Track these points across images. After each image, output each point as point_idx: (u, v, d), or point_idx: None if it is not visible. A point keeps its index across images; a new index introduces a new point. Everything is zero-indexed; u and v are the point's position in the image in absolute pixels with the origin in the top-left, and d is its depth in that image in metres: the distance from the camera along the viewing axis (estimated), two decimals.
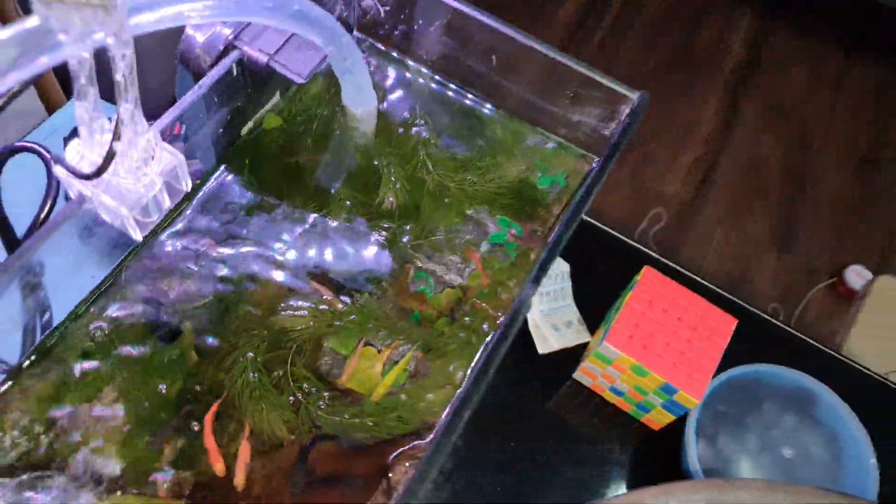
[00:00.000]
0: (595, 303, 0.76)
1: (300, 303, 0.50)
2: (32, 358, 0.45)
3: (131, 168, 0.40)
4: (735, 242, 1.70)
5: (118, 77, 0.36)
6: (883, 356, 1.26)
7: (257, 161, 0.53)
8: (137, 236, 0.43)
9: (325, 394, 0.47)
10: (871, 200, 1.80)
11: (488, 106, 0.60)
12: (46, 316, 0.45)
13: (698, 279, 0.87)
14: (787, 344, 0.85)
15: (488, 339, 0.41)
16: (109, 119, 0.39)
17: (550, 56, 0.52)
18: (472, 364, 0.42)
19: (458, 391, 0.39)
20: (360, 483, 0.45)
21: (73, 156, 0.42)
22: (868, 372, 0.85)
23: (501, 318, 0.44)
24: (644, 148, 1.76)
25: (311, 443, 0.45)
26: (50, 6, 0.33)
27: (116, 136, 0.38)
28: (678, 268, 0.87)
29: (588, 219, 0.90)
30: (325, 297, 0.52)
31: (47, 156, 0.48)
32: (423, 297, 0.56)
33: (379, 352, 0.54)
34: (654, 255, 0.87)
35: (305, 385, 0.47)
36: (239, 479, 0.44)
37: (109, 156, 0.38)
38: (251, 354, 0.47)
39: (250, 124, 0.54)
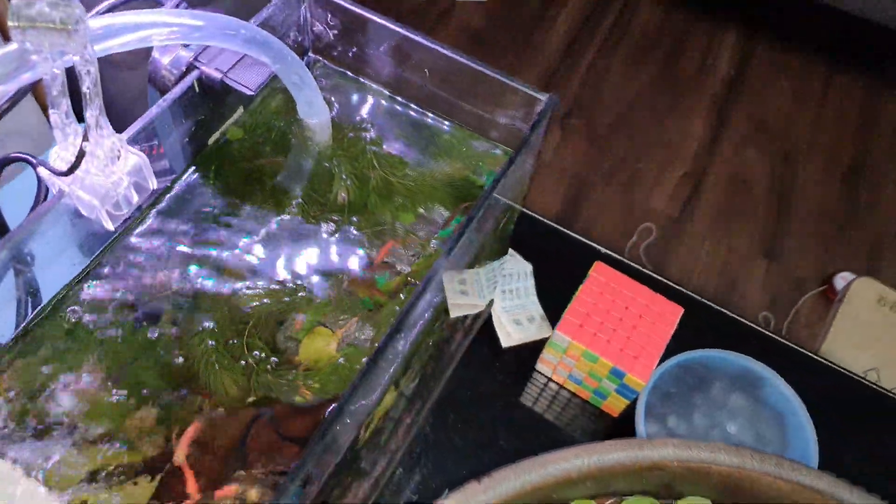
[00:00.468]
0: (560, 301, 0.82)
1: (261, 285, 0.57)
2: (21, 336, 0.52)
3: (100, 166, 0.48)
4: (724, 254, 1.75)
5: (84, 89, 0.44)
6: (859, 356, 1.30)
7: (221, 167, 0.61)
8: (110, 226, 0.50)
9: (273, 359, 0.54)
10: (856, 209, 1.84)
11: (434, 117, 0.67)
12: (33, 298, 0.52)
13: (679, 287, 0.92)
14: (740, 334, 0.90)
15: (406, 304, 0.48)
16: (81, 124, 0.47)
17: (477, 69, 0.59)
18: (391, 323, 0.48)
19: (382, 339, 0.45)
20: (300, 441, 0.51)
21: (54, 159, 0.50)
22: (813, 356, 0.89)
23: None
24: (633, 166, 1.83)
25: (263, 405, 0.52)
26: (24, 32, 0.41)
27: (85, 137, 0.46)
28: (666, 280, 0.91)
29: (557, 226, 0.97)
30: (283, 283, 0.59)
31: (34, 162, 0.56)
32: (374, 284, 0.63)
33: (333, 332, 0.60)
34: (634, 265, 0.93)
35: (257, 353, 0.54)
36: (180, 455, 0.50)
37: (80, 154, 0.46)
38: (210, 324, 0.54)
39: (216, 135, 0.62)
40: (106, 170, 0.48)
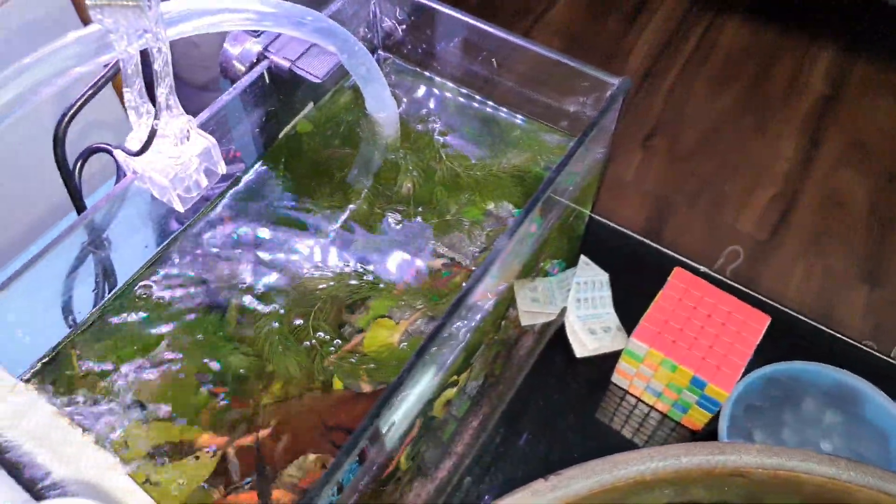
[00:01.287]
0: (638, 313, 0.78)
1: (327, 274, 0.57)
2: (97, 315, 0.54)
3: (170, 146, 0.49)
4: (818, 279, 1.66)
5: (156, 67, 0.45)
6: None
7: (291, 159, 0.62)
8: (180, 208, 0.51)
9: (337, 341, 0.53)
10: None
11: (503, 110, 0.66)
12: (108, 279, 0.54)
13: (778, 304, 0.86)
14: (830, 347, 0.84)
15: (464, 287, 0.46)
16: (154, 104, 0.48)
17: (547, 55, 0.58)
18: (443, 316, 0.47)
19: (433, 328, 0.44)
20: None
21: (129, 141, 0.52)
22: None
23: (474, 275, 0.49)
24: (718, 188, 1.77)
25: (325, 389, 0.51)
26: (102, 10, 0.42)
27: (156, 115, 0.47)
28: (758, 295, 0.86)
29: (636, 234, 0.94)
30: (349, 273, 0.58)
31: (112, 151, 0.57)
32: (439, 278, 0.62)
33: (397, 324, 0.59)
34: (717, 275, 0.88)
35: (321, 333, 0.53)
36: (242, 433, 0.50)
37: (152, 133, 0.47)
38: (277, 307, 0.54)
39: (287, 129, 0.63)
40: (176, 150, 0.49)
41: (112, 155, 0.58)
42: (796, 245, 1.71)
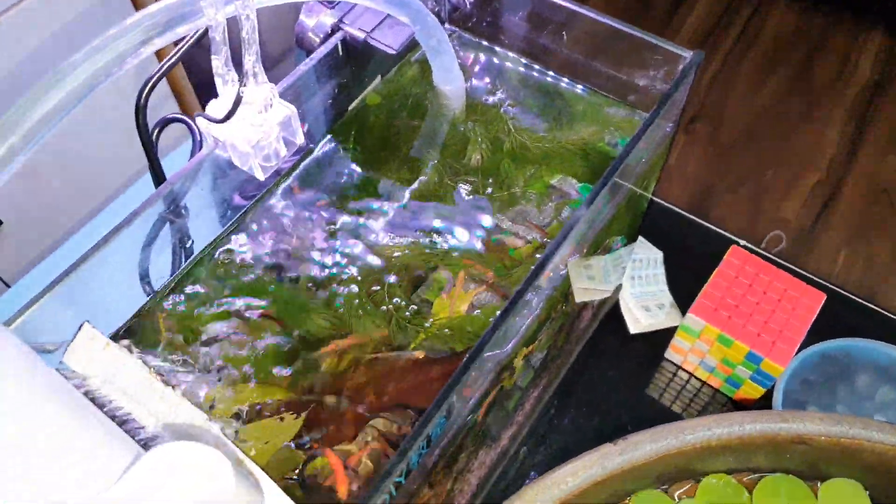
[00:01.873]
0: (691, 291, 0.79)
1: (398, 242, 0.59)
2: (177, 280, 0.56)
3: (253, 114, 0.50)
4: (862, 265, 1.64)
5: (244, 34, 0.47)
6: None
7: (361, 131, 0.63)
8: (261, 176, 0.53)
9: (413, 307, 0.55)
10: None
11: (570, 83, 0.67)
12: (187, 246, 0.56)
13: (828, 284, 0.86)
14: (885, 325, 0.84)
15: (543, 254, 0.47)
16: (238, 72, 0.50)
17: (616, 27, 0.58)
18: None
19: (514, 294, 0.45)
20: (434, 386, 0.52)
21: (211, 109, 0.53)
22: None
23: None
24: (761, 174, 1.75)
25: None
26: None
27: (242, 83, 0.48)
28: (808, 274, 0.86)
29: (690, 215, 0.94)
30: (419, 243, 0.60)
31: (190, 123, 0.59)
32: (505, 250, 0.63)
33: (464, 294, 0.61)
34: (771, 255, 0.88)
35: (397, 300, 0.55)
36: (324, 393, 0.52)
37: (237, 101, 0.49)
38: (353, 272, 0.56)
39: (355, 102, 0.64)
40: (259, 118, 0.51)
41: (188, 125, 0.60)
42: (840, 232, 1.70)
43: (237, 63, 0.48)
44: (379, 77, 0.65)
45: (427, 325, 0.54)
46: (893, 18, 2.07)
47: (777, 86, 1.95)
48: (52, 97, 0.42)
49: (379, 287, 0.56)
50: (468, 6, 0.66)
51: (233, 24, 0.47)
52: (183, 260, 0.56)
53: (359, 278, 0.56)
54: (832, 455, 0.56)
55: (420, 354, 0.53)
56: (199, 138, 0.60)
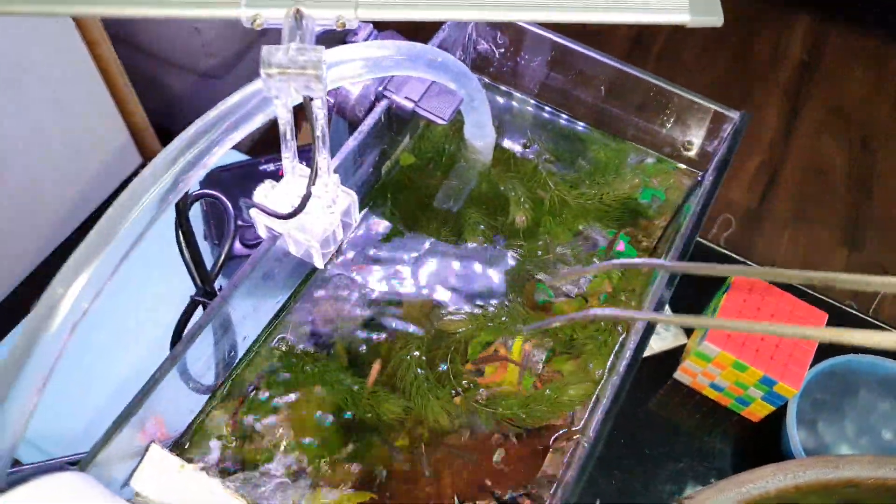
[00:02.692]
0: (689, 307, 0.81)
1: (450, 310, 0.57)
2: (234, 374, 0.53)
3: (321, 207, 0.48)
4: (804, 243, 1.72)
5: (317, 132, 0.44)
6: None
7: (398, 195, 0.61)
8: (321, 264, 0.50)
9: (482, 391, 0.54)
10: None
11: (589, 128, 0.66)
12: (242, 338, 0.53)
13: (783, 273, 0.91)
14: None
15: (633, 335, 0.47)
16: (305, 164, 0.47)
17: (649, 80, 0.58)
18: (618, 360, 0.48)
19: (613, 379, 0.45)
20: (517, 468, 0.51)
21: (260, 198, 0.50)
22: None
23: (638, 320, 0.50)
24: None
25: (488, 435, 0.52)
26: (271, 77, 0.41)
27: (312, 181, 0.45)
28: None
29: None
30: (465, 308, 0.59)
31: (226, 202, 0.56)
32: (547, 307, 0.62)
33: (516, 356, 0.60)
34: (740, 258, 0.92)
35: (465, 381, 0.54)
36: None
37: (306, 198, 0.46)
38: (416, 353, 0.54)
39: (389, 163, 0.62)
40: (325, 210, 0.48)
41: (221, 202, 0.57)
42: (784, 211, 1.77)
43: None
44: (408, 135, 0.63)
45: (499, 408, 0.53)
46: (816, 4, 2.15)
47: (716, 70, 2.01)
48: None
49: (445, 366, 0.55)
50: (496, 54, 0.64)
51: None
52: (237, 355, 0.53)
53: (416, 354, 0.55)
54: (876, 492, 0.59)
55: (497, 436, 0.53)
56: (233, 217, 0.56)
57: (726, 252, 0.92)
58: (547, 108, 0.67)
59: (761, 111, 1.92)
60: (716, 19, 0.44)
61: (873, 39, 2.08)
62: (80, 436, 0.72)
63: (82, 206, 1.38)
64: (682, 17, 0.44)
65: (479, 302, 0.60)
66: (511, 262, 0.61)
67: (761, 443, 0.82)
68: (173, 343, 0.55)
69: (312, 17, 0.42)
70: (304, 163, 0.47)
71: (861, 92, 1.99)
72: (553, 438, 0.52)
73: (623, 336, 0.55)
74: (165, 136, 1.48)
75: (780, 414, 0.79)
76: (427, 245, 0.60)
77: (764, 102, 1.94)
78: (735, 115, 0.55)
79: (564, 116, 0.67)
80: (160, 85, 1.46)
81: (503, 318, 0.58)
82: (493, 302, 0.60)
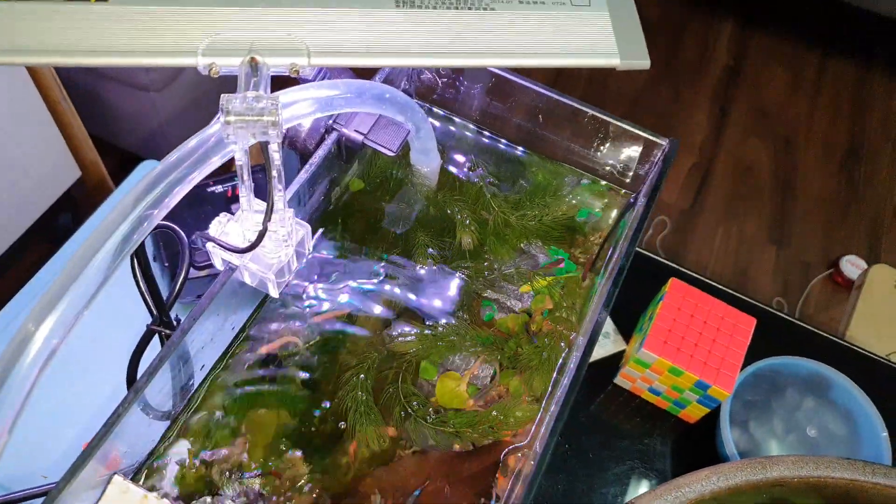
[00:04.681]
0: (627, 314, 0.86)
1: (398, 331, 0.60)
2: (192, 402, 0.54)
3: (276, 240, 0.50)
4: (735, 242, 1.81)
5: (273, 172, 0.46)
6: (882, 340, 1.36)
7: (348, 220, 0.63)
8: (275, 294, 0.52)
9: (430, 409, 0.56)
10: (854, 193, 1.91)
11: (528, 152, 0.69)
12: (199, 367, 0.54)
13: (713, 283, 0.96)
14: (796, 335, 0.95)
15: (575, 353, 0.50)
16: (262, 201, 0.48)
17: (582, 109, 0.61)
18: (560, 376, 0.51)
19: (557, 395, 0.48)
20: (468, 484, 0.54)
21: (216, 231, 0.52)
22: (873, 356, 0.94)
23: (576, 336, 0.53)
24: None
25: (421, 451, 0.55)
26: (230, 125, 0.42)
27: (269, 216, 0.47)
28: (695, 274, 0.96)
29: None
30: (413, 328, 0.61)
31: (181, 233, 0.57)
32: (491, 324, 0.65)
33: (461, 375, 0.63)
34: (672, 265, 0.97)
35: (415, 402, 0.56)
36: None
37: (262, 233, 0.48)
38: (362, 377, 0.57)
39: (338, 189, 0.64)
40: (280, 244, 0.50)
41: (176, 234, 0.58)
42: (715, 211, 1.85)
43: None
44: (356, 161, 0.65)
45: (449, 427, 0.56)
46: (739, 9, 2.24)
47: (646, 73, 2.07)
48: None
49: (391, 389, 0.58)
50: (440, 84, 0.66)
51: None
52: (194, 383, 0.54)
53: (364, 379, 0.57)
54: (800, 490, 0.64)
55: (446, 454, 0.55)
56: (186, 247, 0.57)
57: (664, 260, 0.97)
58: (486, 133, 0.70)
59: (692, 113, 2.00)
60: (644, 62, 0.47)
61: (791, 43, 2.19)
62: (29, 465, 0.72)
63: (19, 220, 1.35)
64: (613, 61, 0.47)
65: (428, 322, 0.62)
66: (459, 282, 0.64)
67: (698, 442, 0.87)
68: (129, 371, 0.56)
69: (267, 64, 0.44)
70: (258, 197, 0.49)
71: (781, 94, 2.09)
72: (504, 453, 0.54)
73: (566, 351, 0.58)
74: (104, 149, 1.46)
75: (713, 415, 0.83)
76: (377, 268, 0.63)
77: (693, 104, 2.02)
78: (664, 141, 0.59)
79: (504, 141, 0.70)
80: (98, 98, 1.44)
81: (452, 337, 0.61)
82: (443, 321, 0.62)
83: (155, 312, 0.56)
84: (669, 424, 0.88)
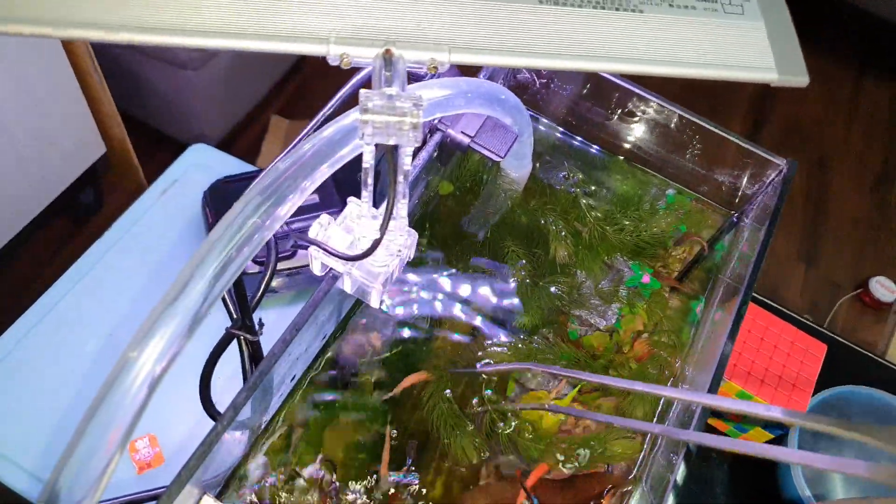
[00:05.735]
0: None
1: (486, 342, 0.56)
2: (279, 415, 0.50)
3: (385, 249, 0.46)
4: (767, 259, 1.78)
5: (400, 178, 0.42)
6: None
7: (436, 225, 0.59)
8: (377, 304, 0.48)
9: (515, 426, 0.53)
10: (887, 215, 1.89)
11: (616, 158, 0.66)
12: (291, 378, 0.50)
13: (782, 309, 0.93)
14: (860, 363, 0.92)
15: (683, 386, 0.47)
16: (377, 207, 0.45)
17: (692, 119, 0.58)
18: (666, 411, 0.47)
19: (666, 429, 0.45)
20: None
21: (316, 234, 0.48)
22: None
23: (680, 364, 0.50)
24: None
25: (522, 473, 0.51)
26: (367, 125, 0.38)
27: (385, 225, 0.43)
28: (763, 298, 0.93)
29: None
30: (500, 340, 0.58)
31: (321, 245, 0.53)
32: (577, 342, 0.62)
33: (548, 393, 0.60)
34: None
35: (502, 424, 0.53)
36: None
37: (377, 242, 0.44)
38: (448, 392, 0.53)
39: (424, 191, 0.60)
40: (391, 255, 0.46)
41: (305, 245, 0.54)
42: None
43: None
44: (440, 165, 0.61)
45: (541, 446, 0.53)
46: None
47: (683, 85, 2.04)
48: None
49: (476, 399, 0.54)
50: (536, 84, 0.63)
51: None
52: (283, 395, 0.50)
53: (449, 392, 0.54)
54: None
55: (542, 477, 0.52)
56: (273, 247, 0.53)
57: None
58: (578, 139, 0.67)
59: (726, 126, 1.97)
60: (803, 79, 0.43)
61: (827, 61, 2.16)
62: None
63: (44, 194, 1.31)
64: (769, 76, 0.43)
65: (519, 336, 0.59)
66: (549, 297, 0.60)
67: (757, 469, 0.84)
68: (203, 376, 0.53)
69: (404, 58, 0.40)
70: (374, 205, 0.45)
71: (817, 112, 2.06)
72: (606, 491, 0.51)
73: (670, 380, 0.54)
74: (131, 125, 1.41)
75: (777, 442, 0.80)
76: (466, 277, 0.59)
77: (726, 120, 1.99)
78: (781, 161, 0.55)
79: (595, 147, 0.66)
80: (130, 72, 1.39)
81: (548, 355, 0.57)
82: (531, 337, 0.59)
83: (236, 315, 0.53)
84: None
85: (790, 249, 1.80)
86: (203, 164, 0.92)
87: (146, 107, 1.45)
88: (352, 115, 0.41)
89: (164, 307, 0.36)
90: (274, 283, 0.82)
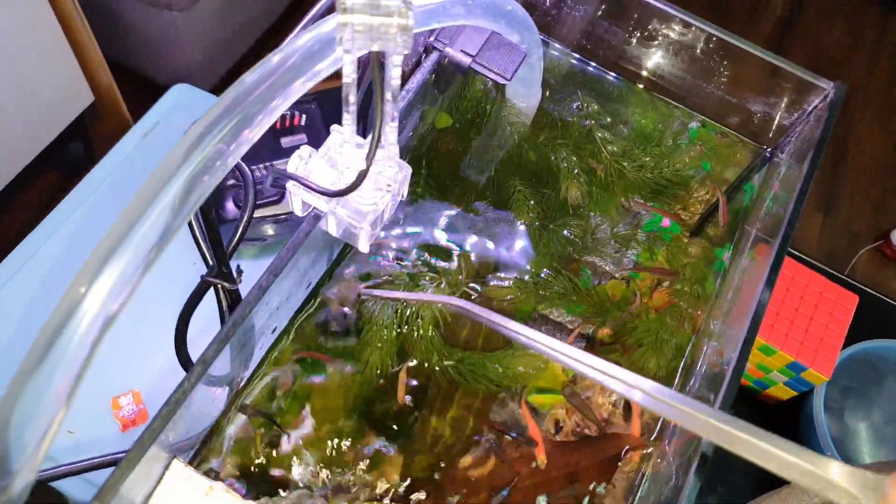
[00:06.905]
0: None
1: (495, 283, 0.51)
2: (257, 373, 0.45)
3: (376, 184, 0.40)
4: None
5: (388, 95, 0.36)
6: None
7: (433, 160, 0.53)
8: (365, 248, 0.43)
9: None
10: None
11: (633, 86, 0.59)
12: (271, 330, 0.45)
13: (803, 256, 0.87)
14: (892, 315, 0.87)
15: (708, 342, 0.41)
16: (364, 137, 0.39)
17: (726, 40, 0.51)
18: (691, 365, 0.42)
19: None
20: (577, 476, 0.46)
21: (296, 167, 0.42)
22: None
23: (705, 318, 0.44)
24: None
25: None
26: (346, 27, 0.32)
27: (372, 154, 0.37)
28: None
29: None
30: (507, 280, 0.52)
31: (245, 168, 0.47)
32: (589, 291, 0.56)
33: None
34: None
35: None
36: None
37: (363, 174, 0.38)
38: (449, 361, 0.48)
39: (419, 124, 0.54)
40: (380, 191, 0.40)
41: (241, 170, 0.48)
42: None
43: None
44: (437, 92, 0.55)
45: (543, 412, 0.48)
46: None
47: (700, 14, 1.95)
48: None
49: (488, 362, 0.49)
50: (547, 3, 0.56)
51: None
52: (263, 349, 0.45)
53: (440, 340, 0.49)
54: None
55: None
56: (252, 185, 0.47)
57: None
58: (592, 65, 0.60)
59: None
60: None
61: None
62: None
63: (28, 146, 1.25)
64: None
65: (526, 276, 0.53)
66: (560, 241, 0.54)
67: (781, 425, 0.79)
68: (178, 328, 0.47)
69: None
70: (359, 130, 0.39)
71: (839, 50, 1.97)
72: (624, 452, 0.46)
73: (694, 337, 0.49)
74: (119, 74, 1.34)
75: (801, 399, 0.75)
76: (469, 219, 0.53)
77: None
78: (828, 85, 0.49)
79: (613, 75, 0.60)
80: (114, 16, 1.31)
81: (556, 287, 0.52)
82: (531, 275, 0.53)
83: (212, 262, 0.47)
84: (750, 403, 0.80)
85: (809, 198, 1.73)
86: (186, 105, 0.85)
87: (133, 53, 1.38)
88: (332, 20, 0.35)
89: (116, 240, 0.30)
90: (269, 232, 0.76)
